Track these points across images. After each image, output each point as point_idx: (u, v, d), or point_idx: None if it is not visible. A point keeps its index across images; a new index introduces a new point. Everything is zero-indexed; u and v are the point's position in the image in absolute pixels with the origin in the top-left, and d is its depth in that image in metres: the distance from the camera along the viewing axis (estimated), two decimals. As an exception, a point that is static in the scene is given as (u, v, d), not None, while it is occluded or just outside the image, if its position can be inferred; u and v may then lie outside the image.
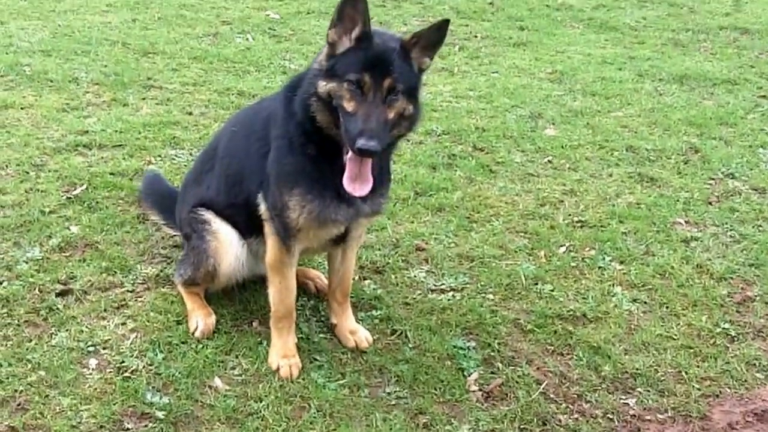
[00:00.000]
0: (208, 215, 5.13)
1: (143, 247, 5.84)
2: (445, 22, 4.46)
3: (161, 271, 5.57)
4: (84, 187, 6.48)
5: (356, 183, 4.38)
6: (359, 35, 4.35)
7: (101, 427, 4.36)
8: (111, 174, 6.71)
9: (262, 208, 4.81)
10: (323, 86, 4.37)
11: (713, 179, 7.44)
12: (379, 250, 6.04)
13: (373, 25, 4.37)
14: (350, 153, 4.31)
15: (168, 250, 5.79)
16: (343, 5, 4.31)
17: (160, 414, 4.45)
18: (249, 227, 5.01)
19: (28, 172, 6.69)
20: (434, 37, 4.46)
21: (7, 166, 6.78)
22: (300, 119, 4.53)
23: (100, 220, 6.08)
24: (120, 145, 7.28)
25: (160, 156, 7.15)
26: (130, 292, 5.40)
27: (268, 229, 4.82)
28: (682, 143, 8.08)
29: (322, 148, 4.52)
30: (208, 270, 5.07)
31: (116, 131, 7.53)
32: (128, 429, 4.37)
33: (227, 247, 5.06)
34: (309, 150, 4.56)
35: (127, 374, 4.71)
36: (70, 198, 6.33)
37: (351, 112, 4.26)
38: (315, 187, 4.58)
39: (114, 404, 4.49)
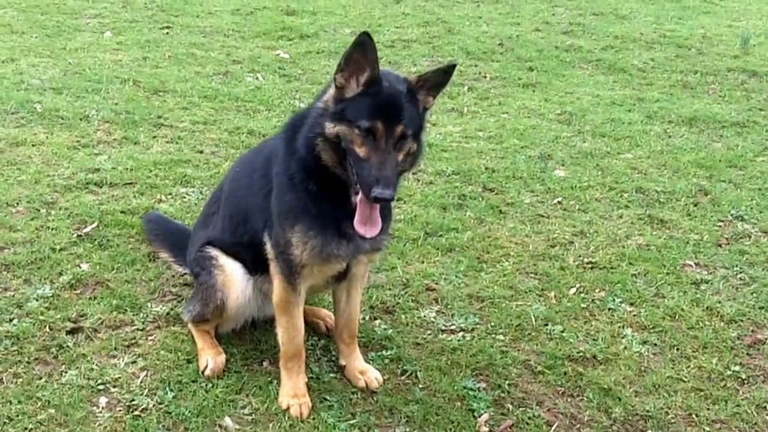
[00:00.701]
0: (215, 252, 5.16)
1: (154, 285, 5.85)
2: (452, 67, 4.52)
3: (172, 309, 5.58)
4: (95, 224, 6.50)
5: (367, 226, 4.43)
6: (368, 80, 4.38)
7: (111, 466, 4.36)
8: (122, 212, 6.73)
9: (268, 247, 4.84)
10: (331, 128, 4.40)
11: (723, 221, 7.42)
12: (390, 290, 6.04)
13: (381, 66, 4.39)
14: (361, 196, 4.34)
15: (178, 288, 5.79)
16: (352, 51, 4.33)
17: (170, 454, 4.45)
18: (255, 265, 5.04)
19: (38, 210, 6.71)
20: (440, 79, 4.52)
21: (17, 204, 6.79)
22: (302, 156, 4.57)
23: (110, 257, 6.09)
24: (130, 183, 7.30)
25: (170, 194, 7.17)
26: (141, 330, 5.40)
27: (274, 269, 4.84)
28: (692, 185, 8.06)
29: (324, 184, 4.56)
30: (217, 305, 5.09)
31: (127, 169, 7.55)
32: (138, 468, 4.37)
33: (234, 281, 5.09)
34: (310, 186, 4.59)
35: (137, 413, 4.71)
36: (80, 236, 6.34)
37: (363, 158, 4.30)
38: (317, 224, 4.61)
39: (124, 443, 4.49)
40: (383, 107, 4.33)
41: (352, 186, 4.43)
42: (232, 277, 5.09)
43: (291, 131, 4.72)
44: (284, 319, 4.90)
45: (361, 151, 4.31)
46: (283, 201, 4.69)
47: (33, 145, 7.98)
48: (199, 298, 5.18)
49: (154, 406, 4.77)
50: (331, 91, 4.50)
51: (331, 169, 4.49)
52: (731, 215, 7.52)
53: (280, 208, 4.72)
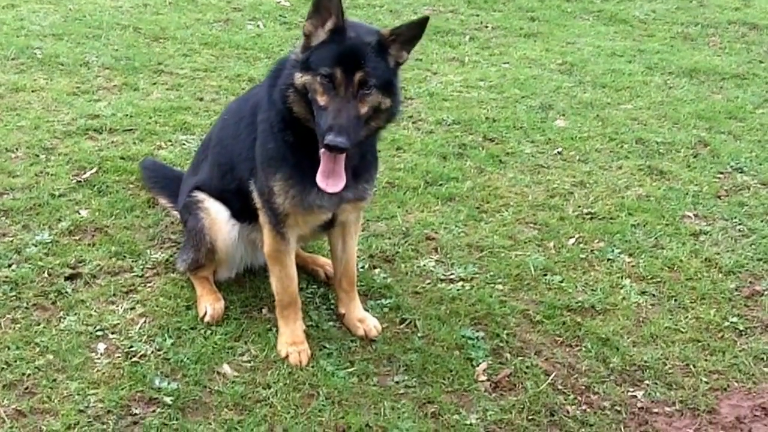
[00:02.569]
0: (201, 195, 5.18)
1: (153, 232, 5.85)
2: (425, 20, 4.46)
3: (171, 256, 5.57)
4: (94, 170, 6.48)
5: (329, 179, 4.41)
6: (333, 28, 4.36)
7: (108, 411, 4.37)
8: (121, 158, 6.71)
9: (255, 196, 4.84)
10: (299, 78, 4.39)
11: (722, 173, 7.39)
12: (389, 239, 6.04)
13: (354, 18, 4.41)
14: (323, 150, 4.34)
15: (178, 235, 5.77)
16: None
17: (167, 399, 4.46)
18: (244, 213, 5.05)
19: (38, 156, 6.69)
20: (414, 32, 4.48)
21: (17, 149, 6.77)
22: (279, 107, 4.56)
23: (109, 204, 6.08)
24: (130, 130, 7.27)
25: (170, 141, 7.15)
26: (140, 277, 5.41)
27: (262, 218, 4.85)
28: (692, 137, 8.03)
29: (300, 136, 4.54)
30: (208, 248, 5.11)
31: (126, 116, 7.52)
32: (136, 414, 4.38)
33: (219, 222, 5.10)
34: (287, 137, 4.59)
35: (135, 359, 4.73)
36: (80, 182, 6.33)
37: (323, 106, 4.29)
38: (296, 173, 4.61)
39: (122, 389, 4.51)
40: (344, 54, 4.31)
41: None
42: (218, 219, 5.10)
43: (273, 79, 4.72)
44: (276, 268, 4.90)
45: (321, 100, 4.30)
46: (266, 149, 4.70)
47: (33, 91, 7.94)
48: (191, 245, 5.19)
49: (152, 352, 4.78)
50: (302, 40, 4.50)
51: (303, 121, 4.48)
52: (731, 167, 7.48)
53: (262, 156, 4.73)
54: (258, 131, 4.77)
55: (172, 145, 7.09)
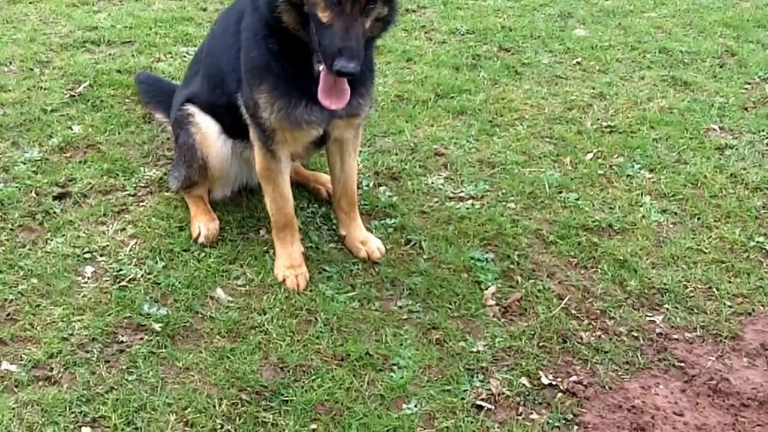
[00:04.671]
0: (193, 109, 4.95)
1: (148, 149, 5.63)
2: None
3: (165, 173, 5.34)
4: (87, 83, 6.22)
5: (332, 97, 4.15)
6: None
7: (93, 339, 4.17)
8: (118, 71, 6.47)
9: (243, 109, 4.60)
10: None
11: (750, 84, 7.16)
12: (396, 155, 5.79)
13: None
14: (323, 67, 4.04)
15: (173, 152, 5.50)
16: None
17: (156, 326, 4.26)
18: (234, 129, 4.80)
19: (32, 69, 6.47)
20: None
21: (10, 63, 6.57)
22: (264, 14, 4.27)
23: (103, 119, 5.85)
24: (129, 42, 7.04)
25: (170, 53, 6.91)
26: (132, 195, 5.19)
27: (252, 135, 4.61)
28: (718, 46, 7.79)
29: (286, 45, 4.26)
30: (200, 164, 4.88)
31: (126, 27, 7.30)
32: (122, 342, 4.18)
33: (211, 139, 4.87)
34: (271, 45, 4.31)
35: (124, 283, 4.52)
36: (73, 96, 6.10)
37: (326, 23, 3.99)
38: (281, 85, 4.35)
39: (108, 315, 4.31)
40: None
41: (315, 53, 4.13)
42: (209, 134, 4.87)
43: None
44: (269, 187, 4.67)
45: (324, 16, 3.99)
46: (249, 58, 4.43)
47: (30, 3, 7.76)
48: (183, 162, 4.96)
49: (142, 276, 4.57)
50: None
51: (293, 31, 4.20)
52: (759, 77, 7.26)
53: (246, 65, 4.47)
54: (242, 39, 4.50)
55: (171, 57, 6.84)
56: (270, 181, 4.64)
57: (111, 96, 6.13)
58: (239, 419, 3.84)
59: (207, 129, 4.87)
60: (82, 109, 5.95)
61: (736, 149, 6.13)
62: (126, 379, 3.97)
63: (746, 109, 6.74)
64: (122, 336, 4.20)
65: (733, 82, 7.14)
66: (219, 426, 3.80)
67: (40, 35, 7.01)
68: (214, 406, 3.87)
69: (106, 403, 3.84)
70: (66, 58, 6.63)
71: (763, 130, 6.38)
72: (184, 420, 3.82)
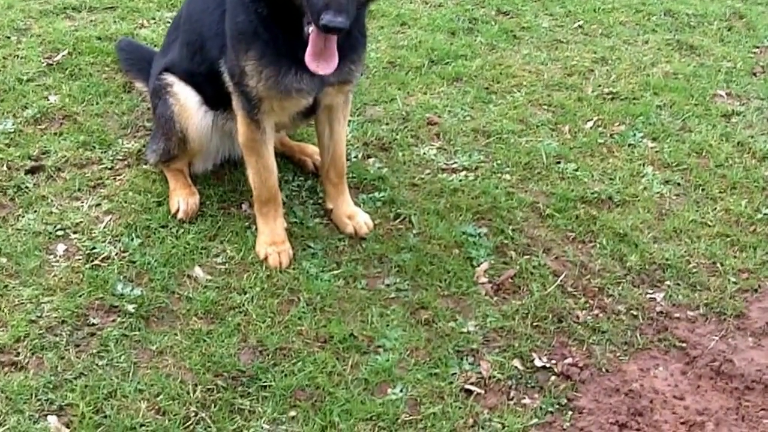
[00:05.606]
0: (171, 78, 4.73)
1: (127, 120, 5.40)
2: None
3: (144, 146, 5.11)
4: (66, 51, 5.99)
5: (320, 60, 3.94)
6: None
7: (63, 321, 3.99)
8: (98, 38, 6.20)
9: (226, 78, 4.37)
10: None
11: (758, 48, 6.99)
12: (387, 124, 5.59)
13: None
14: (313, 27, 3.84)
15: (152, 123, 5.30)
16: None
17: (130, 307, 4.07)
18: (216, 100, 4.58)
19: (9, 37, 6.19)
20: None
21: (-14, 31, 6.32)
22: None
23: (81, 89, 5.61)
24: (111, 7, 6.75)
25: (153, 19, 6.64)
26: (109, 169, 4.97)
27: (236, 104, 4.39)
28: (725, 8, 7.59)
29: (276, 8, 4.05)
30: (179, 136, 4.68)
31: (109, -8, 7.03)
32: (93, 324, 4.00)
33: (190, 110, 4.66)
34: (260, 9, 4.09)
35: (97, 262, 4.33)
36: (51, 64, 5.85)
37: None
38: (269, 51, 4.13)
39: (80, 296, 4.12)
40: None
41: (305, 15, 3.91)
42: (188, 105, 4.65)
43: None
44: (252, 159, 4.45)
45: None
46: (235, 23, 4.20)
47: (10, -33, 7.45)
48: (161, 134, 4.75)
49: (116, 254, 4.37)
50: None
51: None
52: (768, 41, 7.06)
53: (232, 31, 4.24)
54: (226, 3, 4.28)
55: (155, 23, 6.58)
56: (253, 152, 4.43)
57: (90, 64, 5.89)
58: (214, 406, 3.67)
59: (186, 100, 4.65)
60: (59, 78, 5.71)
61: (744, 116, 5.96)
62: (96, 364, 3.80)
63: (754, 74, 6.58)
64: (93, 318, 4.01)
65: (741, 46, 6.96)
66: (192, 414, 3.64)
67: (18, 1, 6.72)
68: (188, 393, 3.71)
69: (74, 389, 3.67)
70: (45, 25, 6.37)
71: (771, 96, 6.21)
72: (156, 407, 3.65)
